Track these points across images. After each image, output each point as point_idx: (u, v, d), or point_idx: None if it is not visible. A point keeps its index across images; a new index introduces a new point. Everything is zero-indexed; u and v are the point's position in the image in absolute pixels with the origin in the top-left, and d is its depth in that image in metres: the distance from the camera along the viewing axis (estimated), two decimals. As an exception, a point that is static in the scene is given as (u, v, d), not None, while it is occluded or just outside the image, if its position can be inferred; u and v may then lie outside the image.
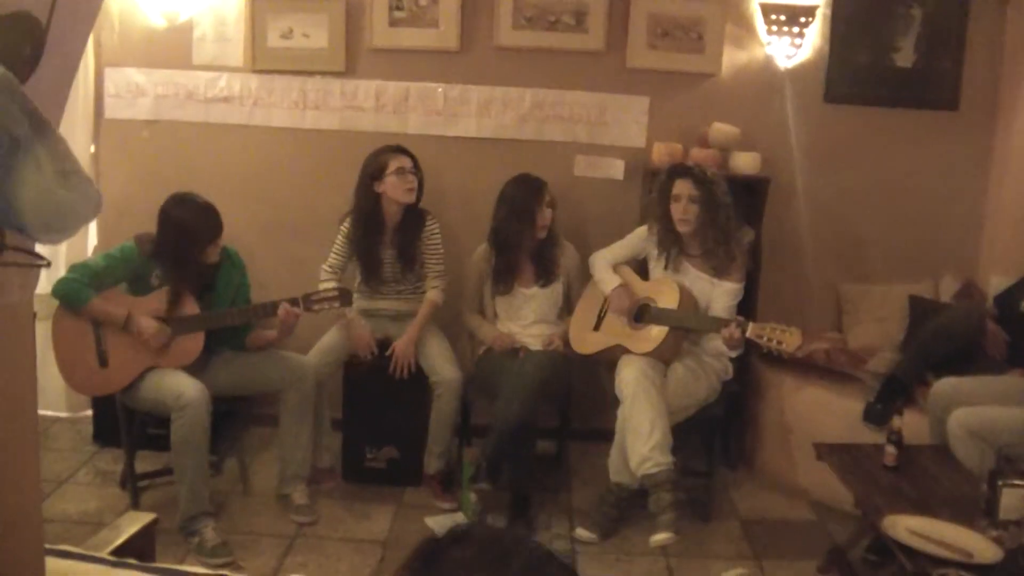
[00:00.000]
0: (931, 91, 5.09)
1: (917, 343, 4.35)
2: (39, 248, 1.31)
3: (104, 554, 2.11)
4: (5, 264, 1.21)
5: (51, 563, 1.76)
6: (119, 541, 2.46)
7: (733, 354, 4.32)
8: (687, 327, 4.26)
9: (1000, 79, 5.06)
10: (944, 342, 4.22)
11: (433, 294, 4.64)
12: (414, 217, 4.62)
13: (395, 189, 4.50)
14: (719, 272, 4.29)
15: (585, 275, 4.67)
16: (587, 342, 4.52)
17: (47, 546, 1.78)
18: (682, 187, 4.28)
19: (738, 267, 4.30)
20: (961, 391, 3.97)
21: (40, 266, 1.29)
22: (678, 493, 3.95)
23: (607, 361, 4.41)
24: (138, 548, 2.52)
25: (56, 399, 5.11)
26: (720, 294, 4.27)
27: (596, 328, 4.51)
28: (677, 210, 4.28)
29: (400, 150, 4.57)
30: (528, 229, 4.53)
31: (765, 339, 3.93)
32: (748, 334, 3.98)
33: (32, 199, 1.13)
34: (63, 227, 1.23)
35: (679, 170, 4.35)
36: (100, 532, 2.55)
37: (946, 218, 5.20)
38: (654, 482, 3.94)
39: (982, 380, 4.08)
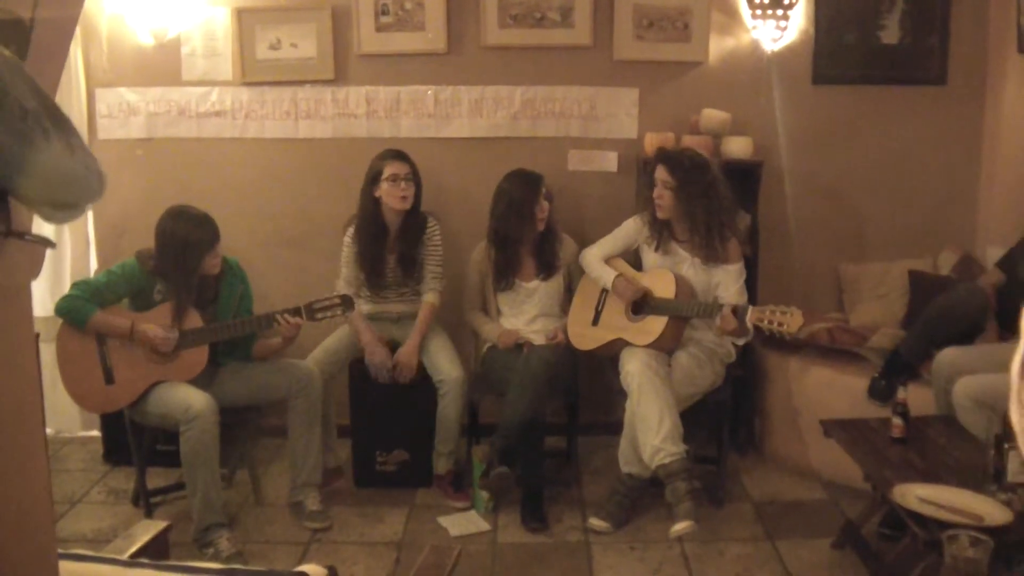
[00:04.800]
0: (918, 67, 5.10)
1: (921, 324, 4.34)
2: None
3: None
4: (17, 239, 1.23)
5: (65, 565, 1.78)
6: (133, 548, 2.48)
7: (741, 342, 4.34)
8: (686, 315, 4.27)
9: (987, 51, 5.08)
10: (948, 323, 4.22)
11: (430, 297, 4.66)
12: (415, 221, 4.64)
13: (389, 196, 4.53)
14: (709, 257, 4.30)
15: (585, 267, 4.69)
16: (587, 338, 4.53)
17: (61, 551, 1.79)
18: (659, 172, 4.32)
19: (733, 248, 4.31)
20: (964, 361, 3.97)
21: (46, 246, 1.30)
22: (693, 481, 3.95)
23: (608, 355, 4.43)
24: (152, 556, 2.53)
25: (69, 419, 5.16)
26: (724, 279, 4.28)
27: (595, 323, 4.52)
28: (655, 195, 4.32)
29: (398, 155, 4.58)
30: (528, 223, 4.55)
31: (766, 323, 3.94)
32: (748, 319, 3.99)
33: (41, 165, 1.15)
34: (72, 200, 1.24)
35: (659, 155, 4.39)
36: (114, 541, 2.56)
37: (940, 192, 5.21)
38: (668, 472, 3.94)
39: (985, 348, 4.10)
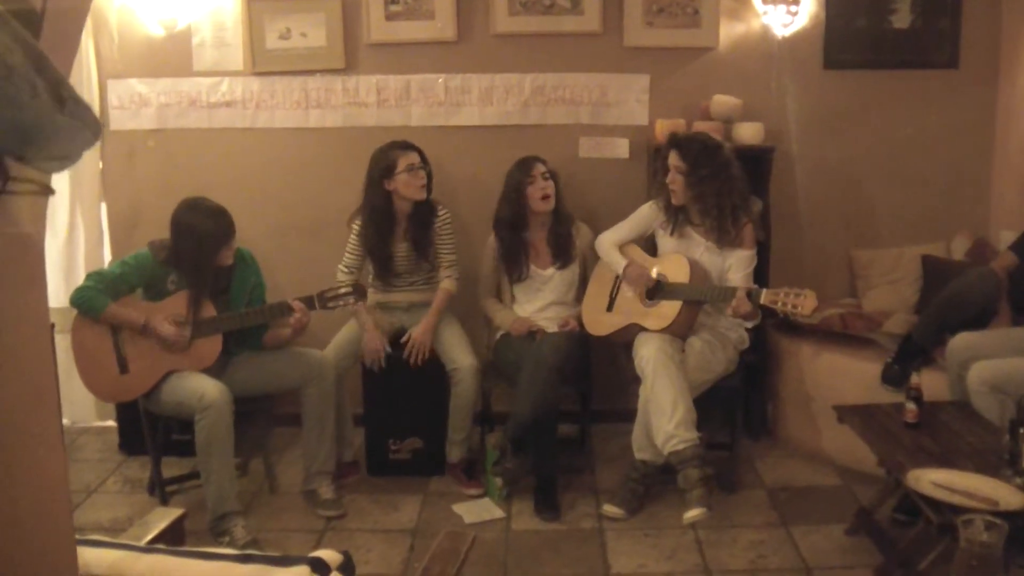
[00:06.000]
0: (930, 51, 5.07)
1: (933, 309, 4.32)
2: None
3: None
4: (12, 193, 1.22)
5: (82, 552, 1.79)
6: (150, 536, 2.49)
7: (750, 324, 4.33)
8: (700, 300, 4.27)
9: (1000, 35, 5.04)
10: (960, 308, 4.20)
11: (447, 283, 4.66)
12: (425, 209, 4.64)
13: (407, 187, 4.52)
14: (724, 241, 4.29)
15: (601, 256, 4.68)
16: (601, 324, 4.53)
17: (78, 537, 1.80)
18: (671, 158, 4.32)
19: (746, 235, 4.30)
20: (978, 345, 3.96)
21: (47, 193, 1.30)
22: (706, 468, 3.93)
23: (623, 341, 4.42)
24: (168, 543, 2.55)
25: (85, 409, 5.23)
26: (734, 263, 4.27)
27: (609, 309, 4.52)
28: (668, 180, 4.32)
29: (407, 146, 4.58)
30: (522, 204, 4.57)
31: (780, 304, 3.93)
32: (762, 300, 3.99)
33: (30, 124, 1.14)
34: (64, 153, 1.23)
35: (671, 141, 4.37)
36: (129, 529, 2.58)
37: (953, 177, 5.19)
38: (681, 459, 3.93)
39: (999, 333, 4.08)
